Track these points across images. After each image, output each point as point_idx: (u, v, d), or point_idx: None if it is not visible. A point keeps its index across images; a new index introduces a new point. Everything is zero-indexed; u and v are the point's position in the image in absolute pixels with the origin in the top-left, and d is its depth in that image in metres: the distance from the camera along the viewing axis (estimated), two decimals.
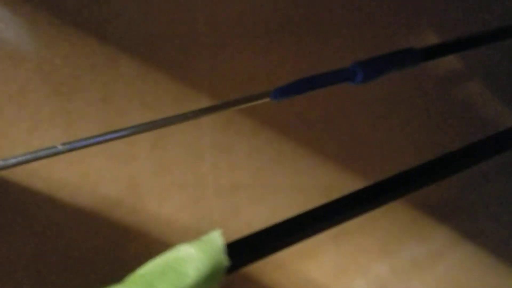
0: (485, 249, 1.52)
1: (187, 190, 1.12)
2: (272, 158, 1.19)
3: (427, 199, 1.47)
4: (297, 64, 1.08)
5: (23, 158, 0.60)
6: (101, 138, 0.64)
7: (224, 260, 0.70)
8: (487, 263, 1.58)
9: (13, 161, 0.60)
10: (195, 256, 0.66)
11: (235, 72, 1.01)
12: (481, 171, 1.53)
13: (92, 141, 0.63)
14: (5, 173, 0.91)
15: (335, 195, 1.32)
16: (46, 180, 0.95)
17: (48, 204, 0.97)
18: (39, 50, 0.81)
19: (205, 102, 1.02)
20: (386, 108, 1.28)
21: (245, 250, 0.78)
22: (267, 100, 0.74)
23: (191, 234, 1.13)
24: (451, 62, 1.34)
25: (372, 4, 1.12)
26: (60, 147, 0.62)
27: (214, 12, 0.91)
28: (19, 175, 0.92)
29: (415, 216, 1.46)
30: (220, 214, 1.18)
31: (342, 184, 1.31)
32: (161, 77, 0.94)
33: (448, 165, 0.88)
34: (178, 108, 1.00)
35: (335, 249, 1.39)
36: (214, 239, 0.71)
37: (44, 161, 0.94)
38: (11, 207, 0.95)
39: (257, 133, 1.14)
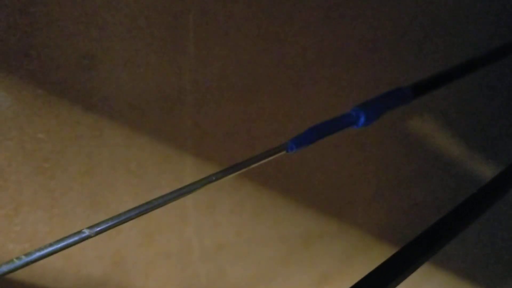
0: (457, 273, 1.56)
1: (173, 258, 1.05)
2: (254, 211, 1.16)
3: (394, 232, 1.49)
4: (273, 115, 1.07)
5: (50, 249, 0.53)
6: (125, 216, 0.58)
7: None
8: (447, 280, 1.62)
9: (38, 254, 0.53)
10: None
11: (217, 127, 0.99)
12: (438, 200, 1.59)
13: (117, 220, 0.57)
14: None
15: (314, 241, 1.30)
16: (27, 268, 0.85)
17: None
18: (22, 126, 0.74)
19: (189, 163, 0.98)
20: (361, 153, 1.31)
21: None
22: (283, 153, 0.72)
23: None
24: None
25: (337, 62, 1.15)
26: (87, 232, 0.56)
27: (199, 69, 0.89)
28: None
29: (388, 252, 1.47)
30: (206, 278, 1.12)
31: (320, 229, 1.30)
32: (146, 142, 0.89)
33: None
34: (163, 171, 0.95)
35: None
36: None
37: (26, 247, 0.85)
38: None
39: (237, 188, 1.11)
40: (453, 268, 1.56)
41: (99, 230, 0.56)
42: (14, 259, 0.53)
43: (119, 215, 0.59)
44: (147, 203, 0.60)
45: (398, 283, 0.75)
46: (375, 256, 1.46)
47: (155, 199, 0.62)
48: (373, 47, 1.18)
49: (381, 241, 1.46)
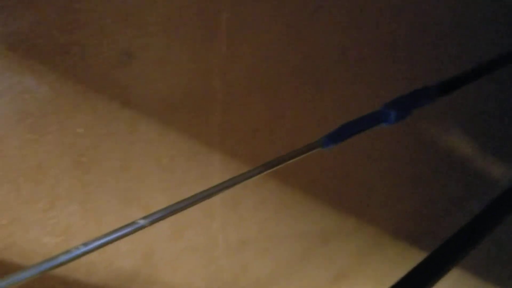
0: (470, 271, 1.57)
1: (199, 253, 1.07)
2: (275, 209, 1.17)
3: (409, 230, 1.51)
4: (296, 112, 1.09)
5: (107, 239, 0.55)
6: (177, 206, 0.60)
7: None
8: (474, 285, 1.64)
9: (95, 244, 0.55)
10: None
11: (243, 124, 1.00)
12: (452, 198, 1.60)
13: (169, 210, 0.59)
14: (14, 257, 0.82)
15: (332, 238, 1.32)
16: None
17: (62, 286, 0.89)
18: (62, 120, 0.75)
19: (216, 159, 1.00)
20: (378, 153, 1.32)
21: None
22: (318, 150, 0.74)
23: None
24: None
25: (358, 62, 1.17)
26: (141, 222, 0.57)
27: (229, 67, 0.90)
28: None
29: (402, 249, 1.49)
30: (230, 273, 1.14)
31: (338, 227, 1.32)
32: (177, 138, 0.91)
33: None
34: (191, 167, 0.97)
35: None
36: None
37: (59, 240, 0.86)
38: None
39: (260, 185, 1.13)
40: (468, 266, 1.58)
41: (152, 220, 0.58)
42: (72, 249, 0.54)
43: (172, 205, 0.60)
44: (198, 193, 0.62)
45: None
46: (390, 253, 1.48)
47: (205, 190, 0.63)
48: (393, 46, 1.20)
49: (396, 239, 1.48)
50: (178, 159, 0.93)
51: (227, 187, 0.66)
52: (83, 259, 0.88)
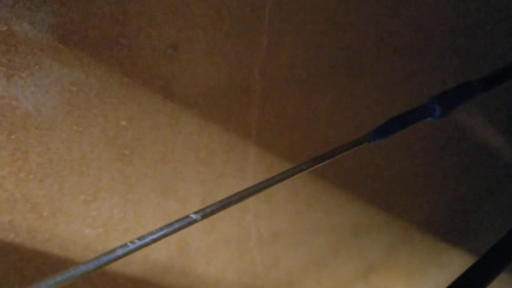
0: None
1: (232, 245, 1.07)
2: (307, 202, 1.17)
3: (439, 225, 1.50)
4: (332, 105, 1.08)
5: (161, 233, 0.55)
6: (229, 200, 0.59)
7: None
8: (505, 278, 1.63)
9: (150, 238, 0.55)
10: None
11: (279, 117, 1.00)
12: (481, 193, 1.59)
13: (220, 204, 0.59)
14: (46, 249, 0.83)
15: (362, 232, 1.32)
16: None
17: (100, 277, 0.89)
18: (106, 113, 0.75)
19: (252, 151, 0.99)
20: (409, 148, 1.31)
21: None
22: (365, 144, 0.73)
23: None
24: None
25: (396, 54, 1.15)
26: (194, 216, 0.57)
27: (269, 60, 0.90)
28: None
29: (432, 243, 1.48)
30: (261, 265, 1.14)
31: (368, 221, 1.31)
32: (216, 130, 0.91)
33: None
34: (228, 160, 0.97)
35: (365, 287, 1.37)
36: None
37: (100, 232, 0.87)
38: None
39: (293, 178, 1.12)
40: None
41: (204, 214, 0.58)
42: (128, 243, 0.55)
43: (222, 200, 0.60)
44: (248, 188, 0.61)
45: None
46: (420, 248, 1.47)
47: (253, 186, 0.63)
48: (431, 39, 1.19)
49: (426, 234, 1.47)
50: (216, 151, 0.93)
51: (277, 181, 0.65)
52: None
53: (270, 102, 0.96)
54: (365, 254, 1.35)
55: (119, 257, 0.54)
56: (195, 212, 0.58)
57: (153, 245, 0.96)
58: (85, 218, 0.83)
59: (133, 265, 0.92)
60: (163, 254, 0.96)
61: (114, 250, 0.53)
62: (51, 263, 0.81)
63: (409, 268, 1.46)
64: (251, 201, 1.05)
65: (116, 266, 0.91)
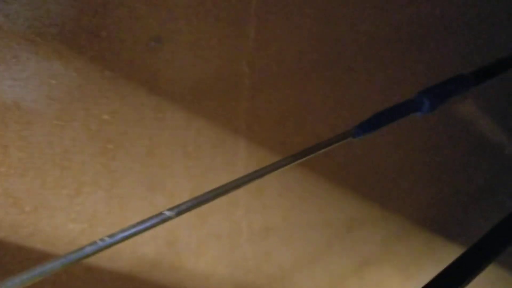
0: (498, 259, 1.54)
1: (223, 240, 1.06)
2: (300, 196, 1.15)
3: (435, 219, 1.48)
4: (324, 100, 1.07)
5: (132, 230, 0.54)
6: (205, 197, 0.58)
7: None
8: (503, 274, 1.61)
9: (121, 235, 0.54)
10: None
11: (270, 112, 0.98)
12: (479, 188, 1.57)
13: (196, 201, 0.58)
14: (42, 245, 0.82)
15: (356, 227, 1.30)
16: None
17: (86, 273, 0.89)
18: (88, 107, 0.74)
19: (242, 146, 0.98)
20: (405, 142, 1.29)
21: None
22: (349, 140, 0.72)
23: (227, 287, 1.07)
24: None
25: (388, 48, 1.13)
26: (167, 213, 0.56)
27: (258, 52, 0.88)
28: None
29: (428, 239, 1.47)
30: (253, 260, 1.13)
31: (363, 215, 1.30)
32: (203, 124, 0.89)
33: None
34: (217, 154, 0.95)
35: (360, 281, 1.36)
36: None
37: (84, 227, 0.86)
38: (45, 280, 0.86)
39: (285, 172, 1.11)
40: (504, 261, 1.55)
41: (179, 212, 0.57)
42: (98, 241, 0.54)
43: (198, 197, 0.59)
44: (224, 185, 0.60)
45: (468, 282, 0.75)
46: (415, 242, 1.46)
47: (230, 183, 0.62)
48: (427, 31, 1.16)
49: (421, 229, 1.45)
50: (204, 146, 0.92)
51: (255, 178, 0.64)
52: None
53: (260, 96, 0.95)
54: (359, 249, 1.33)
55: (88, 255, 0.53)
56: (169, 209, 0.57)
57: (141, 240, 0.95)
58: (69, 213, 0.82)
59: (120, 261, 0.91)
60: (151, 249, 0.95)
61: (83, 248, 0.52)
62: (34, 258, 0.81)
63: (405, 263, 1.44)
64: (242, 195, 1.04)
65: (103, 262, 0.90)
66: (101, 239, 0.53)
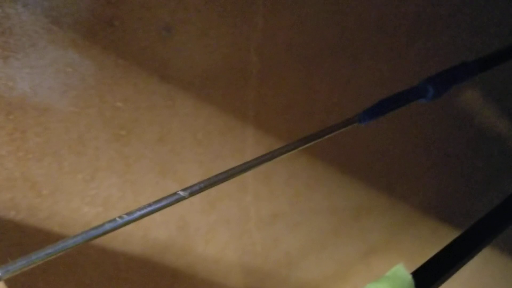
0: (502, 248, 1.57)
1: (231, 225, 1.09)
2: (307, 183, 1.18)
3: (441, 208, 1.50)
4: (332, 87, 1.09)
5: (149, 209, 0.56)
6: (217, 178, 0.61)
7: None
8: (506, 263, 1.63)
9: (138, 213, 0.56)
10: None
11: (278, 99, 1.01)
12: (485, 177, 1.59)
13: (208, 182, 0.60)
14: (53, 225, 0.85)
15: (364, 214, 1.33)
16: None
17: (101, 255, 0.92)
18: (103, 94, 0.77)
19: (250, 134, 1.01)
20: (413, 129, 1.31)
21: (428, 276, 0.76)
22: (355, 125, 0.74)
23: (235, 271, 1.10)
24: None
25: (397, 36, 1.15)
26: (181, 193, 0.59)
27: (266, 40, 0.90)
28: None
29: (434, 227, 1.49)
30: (261, 246, 1.16)
31: (370, 202, 1.32)
32: (212, 112, 0.92)
33: None
34: (226, 141, 0.98)
35: (366, 269, 1.39)
36: (400, 272, 0.71)
37: (99, 210, 0.89)
38: (61, 262, 0.89)
39: (292, 159, 1.13)
40: (496, 244, 1.57)
41: (192, 192, 0.59)
42: (117, 218, 0.56)
43: (210, 178, 0.62)
44: (234, 167, 0.63)
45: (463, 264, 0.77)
46: (422, 231, 1.48)
47: (240, 165, 0.64)
48: (431, 20, 1.18)
49: (429, 217, 1.47)
50: (213, 133, 0.95)
51: (264, 161, 0.67)
52: (120, 229, 0.90)
53: (268, 84, 0.97)
54: (366, 236, 1.36)
55: (107, 231, 0.55)
56: (183, 190, 0.60)
57: (152, 224, 0.98)
58: (84, 197, 0.85)
59: (133, 244, 0.95)
60: (162, 233, 0.98)
61: (102, 225, 0.54)
62: (51, 240, 0.84)
63: (410, 251, 1.47)
64: (250, 182, 1.07)
65: (116, 244, 0.93)
66: (120, 217, 0.56)
